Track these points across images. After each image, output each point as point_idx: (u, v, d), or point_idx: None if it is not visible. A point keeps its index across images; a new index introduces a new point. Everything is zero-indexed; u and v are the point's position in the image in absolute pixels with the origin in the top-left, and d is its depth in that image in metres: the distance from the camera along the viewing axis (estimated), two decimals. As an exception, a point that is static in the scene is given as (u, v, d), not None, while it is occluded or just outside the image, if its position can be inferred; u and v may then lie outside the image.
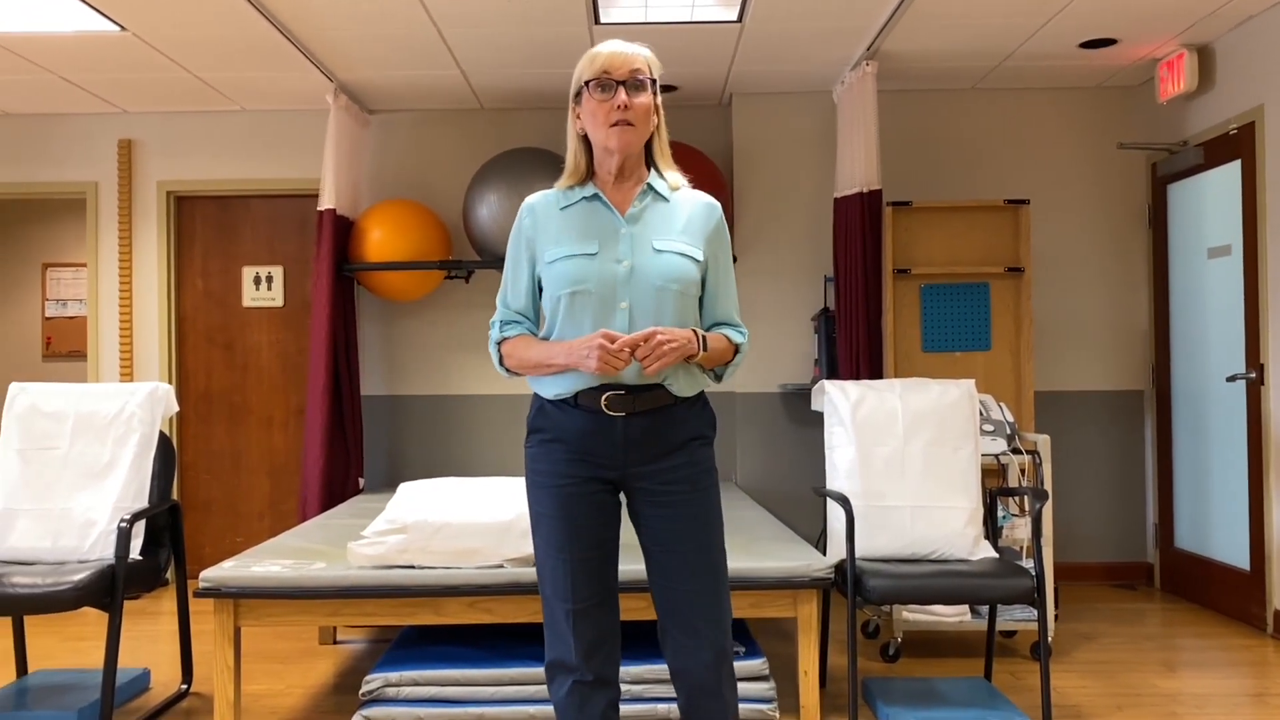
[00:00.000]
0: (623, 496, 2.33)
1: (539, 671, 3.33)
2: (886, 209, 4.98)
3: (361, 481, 5.46)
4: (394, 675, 3.33)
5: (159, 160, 5.89)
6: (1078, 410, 5.64)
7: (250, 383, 5.94)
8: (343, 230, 5.34)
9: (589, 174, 2.29)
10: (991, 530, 3.80)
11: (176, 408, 3.88)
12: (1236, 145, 4.72)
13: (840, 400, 3.69)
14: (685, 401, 2.25)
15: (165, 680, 4.05)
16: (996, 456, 4.25)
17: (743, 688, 3.31)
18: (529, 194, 5.07)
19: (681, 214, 2.26)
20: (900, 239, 5.05)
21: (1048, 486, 4.15)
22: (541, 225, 2.28)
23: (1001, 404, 4.43)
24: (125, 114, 5.89)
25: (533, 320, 2.35)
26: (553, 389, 2.24)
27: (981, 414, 4.29)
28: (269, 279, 5.93)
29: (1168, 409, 5.37)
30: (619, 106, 2.16)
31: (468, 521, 3.30)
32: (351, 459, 5.40)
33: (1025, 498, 4.19)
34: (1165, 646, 4.36)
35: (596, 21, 4.49)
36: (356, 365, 5.47)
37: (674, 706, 3.30)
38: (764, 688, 3.32)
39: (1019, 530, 4.21)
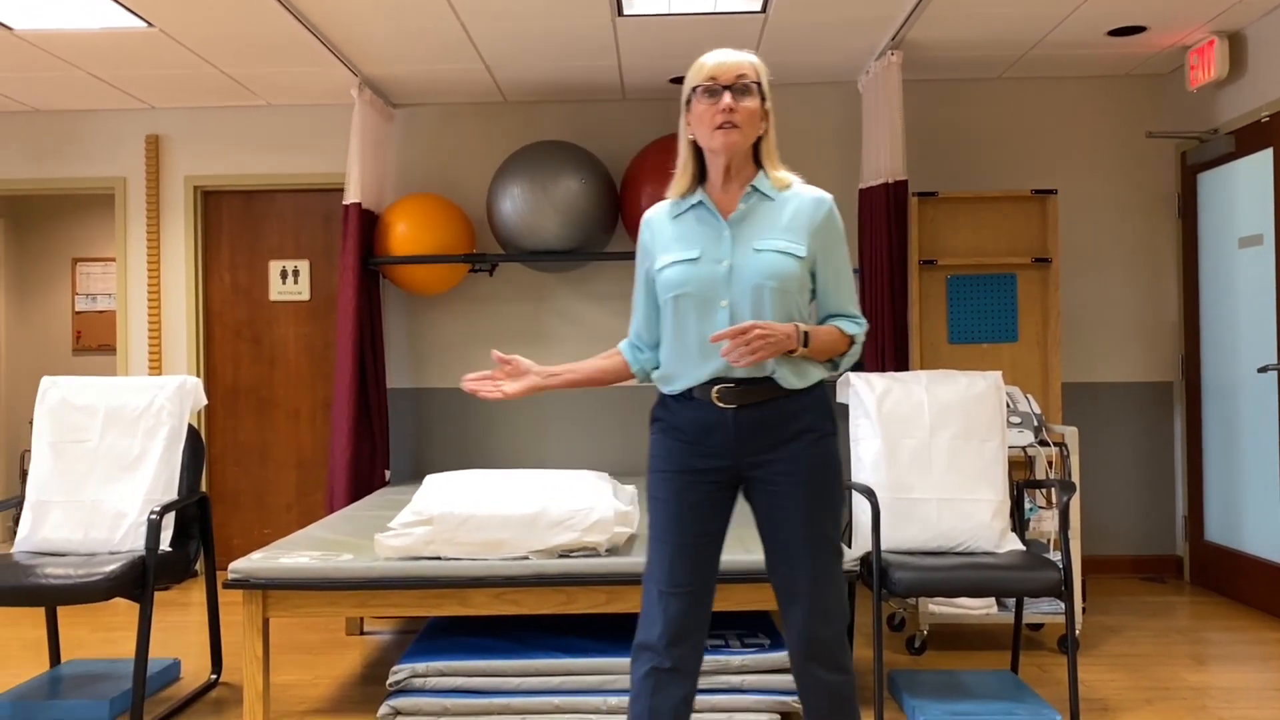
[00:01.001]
0: (741, 490, 2.39)
1: (565, 663, 3.35)
2: (912, 199, 4.95)
3: (388, 474, 5.50)
4: (421, 666, 3.35)
5: (186, 155, 5.93)
6: (1106, 402, 5.59)
7: (277, 376, 5.98)
8: (368, 224, 5.37)
9: (699, 179, 2.37)
10: (1018, 523, 3.77)
11: (205, 401, 3.91)
12: (1268, 133, 4.66)
13: (866, 392, 3.67)
14: (796, 394, 2.29)
15: (195, 670, 4.10)
16: (1024, 449, 4.23)
17: (768, 680, 3.32)
18: (551, 186, 5.15)
19: (786, 211, 2.31)
20: (926, 230, 5.02)
21: (1075, 479, 4.12)
22: (656, 236, 2.39)
23: (1029, 396, 4.40)
24: (153, 110, 5.94)
25: (642, 334, 2.47)
26: (667, 386, 2.36)
27: (1008, 406, 4.27)
28: (295, 273, 5.97)
29: (1197, 400, 5.32)
30: (724, 109, 2.24)
31: (493, 514, 3.31)
32: (378, 451, 5.43)
33: (1052, 490, 4.16)
34: (1194, 640, 4.33)
35: (620, 13, 4.48)
36: (382, 358, 5.50)
37: (698, 698, 3.30)
38: (789, 680, 3.32)
39: (1046, 523, 4.18)
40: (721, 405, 2.27)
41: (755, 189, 2.32)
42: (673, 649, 2.28)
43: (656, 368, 2.45)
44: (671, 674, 2.27)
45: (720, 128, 2.25)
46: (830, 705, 2.30)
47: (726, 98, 2.24)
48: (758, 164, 2.35)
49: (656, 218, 2.41)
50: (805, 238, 2.30)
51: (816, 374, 2.32)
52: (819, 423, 2.31)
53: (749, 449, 2.28)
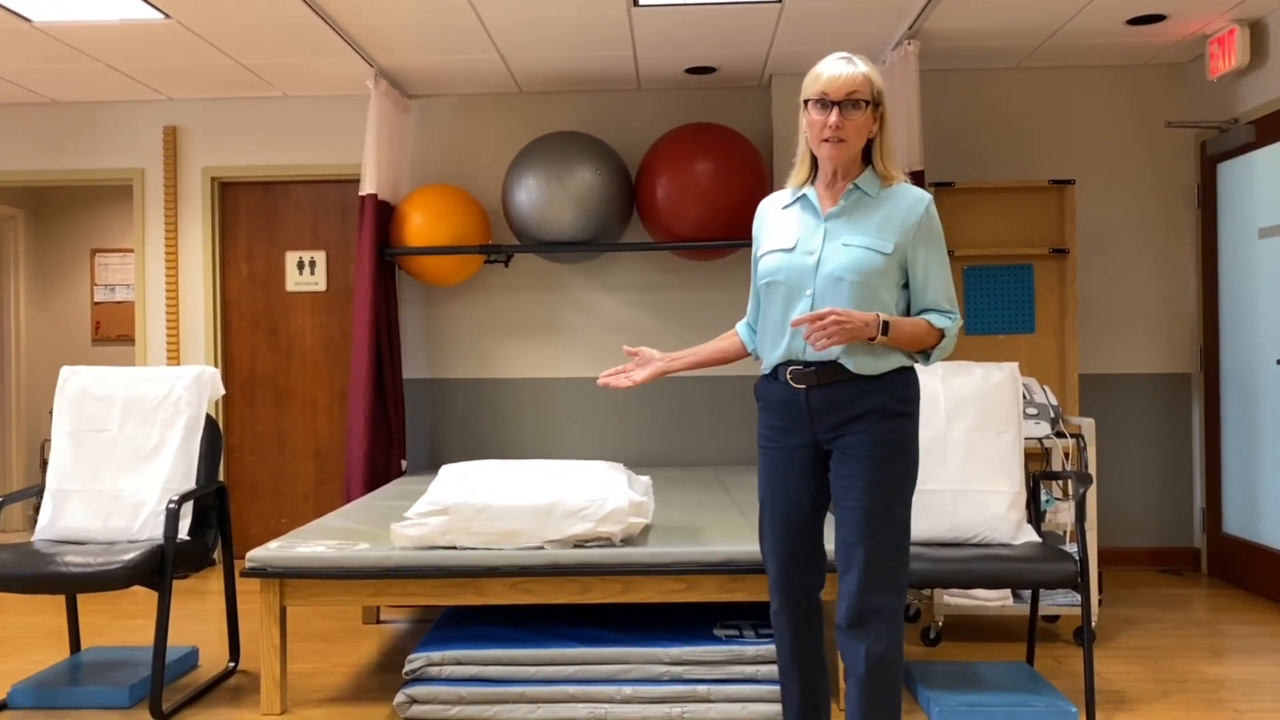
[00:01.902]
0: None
1: (580, 652, 3.36)
2: (929, 190, 4.93)
3: (404, 463, 5.52)
4: (436, 654, 3.37)
5: (203, 146, 5.96)
6: (1123, 393, 5.57)
7: (294, 366, 6.01)
8: (384, 215, 5.38)
9: (813, 171, 2.55)
10: (1034, 514, 3.76)
11: (223, 391, 3.94)
12: (1289, 122, 4.62)
13: (881, 383, 3.66)
14: (866, 378, 2.44)
15: (213, 658, 4.13)
16: (1040, 440, 4.21)
17: (782, 670, 3.32)
18: (566, 177, 5.15)
19: (883, 210, 2.47)
20: (943, 220, 4.99)
21: (1092, 470, 4.10)
22: (765, 224, 2.61)
23: (1045, 387, 4.38)
24: (170, 101, 5.97)
25: (755, 316, 2.69)
26: (763, 367, 2.60)
27: (1025, 397, 4.25)
28: (312, 264, 5.99)
29: (1216, 392, 5.29)
30: (832, 125, 2.41)
31: (508, 504, 3.32)
32: (394, 441, 5.46)
33: (1069, 482, 4.14)
34: (1212, 632, 4.31)
35: (635, 4, 4.47)
36: (399, 349, 5.52)
37: (713, 688, 3.31)
38: (804, 670, 3.32)
39: (1062, 514, 4.17)
40: (794, 385, 2.48)
41: (857, 187, 2.48)
42: (785, 599, 2.59)
43: None
44: (788, 615, 2.61)
45: (827, 140, 2.42)
46: (870, 676, 2.43)
47: (834, 115, 2.41)
48: (868, 161, 2.51)
49: (768, 208, 2.63)
50: (896, 235, 2.44)
51: (893, 361, 2.45)
52: (887, 404, 2.44)
53: (822, 425, 2.48)
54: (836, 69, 2.41)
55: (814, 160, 2.53)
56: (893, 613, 2.44)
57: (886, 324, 2.37)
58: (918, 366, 2.53)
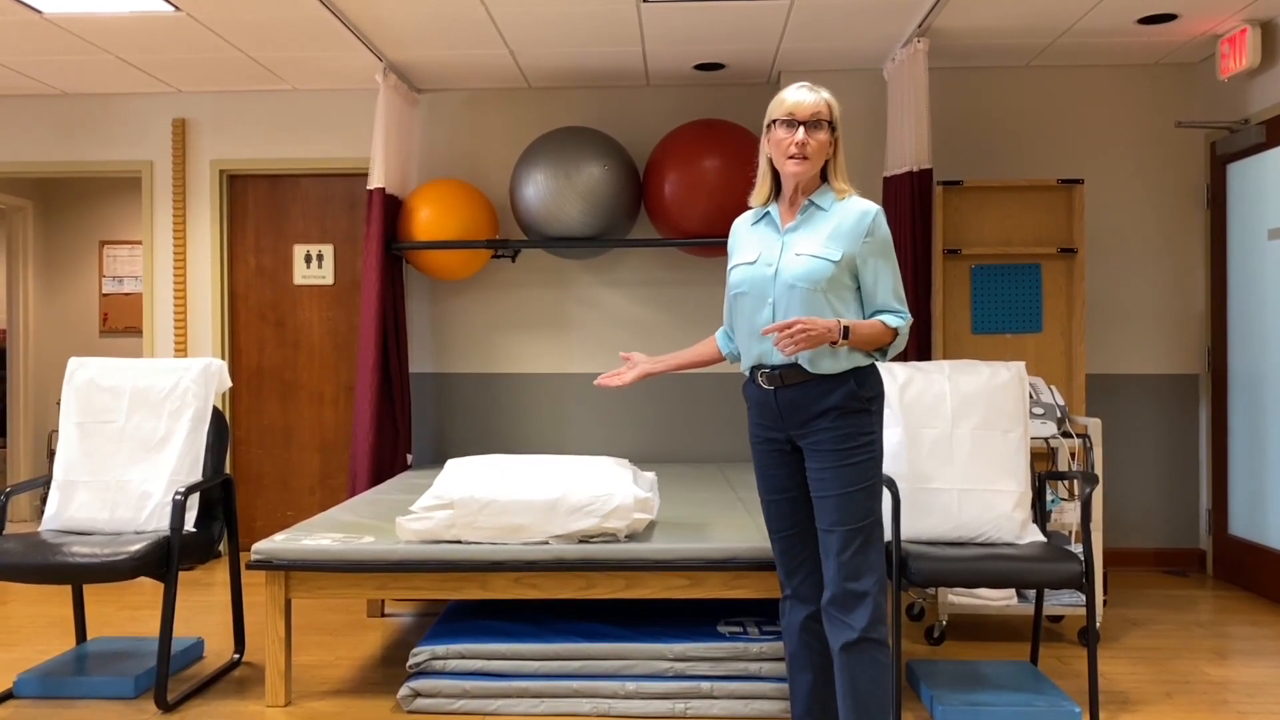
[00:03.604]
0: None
1: (584, 647, 3.36)
2: (937, 188, 4.92)
3: (410, 458, 5.53)
4: (441, 648, 3.38)
5: (212, 139, 5.97)
6: (1131, 394, 5.55)
7: (301, 359, 6.02)
8: (392, 209, 5.38)
9: (775, 190, 2.77)
10: (1040, 514, 3.76)
11: (230, 383, 3.95)
12: (1300, 123, 4.60)
13: (887, 382, 3.66)
14: (825, 377, 2.64)
15: (218, 649, 4.14)
16: (1046, 440, 4.20)
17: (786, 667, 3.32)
18: (574, 172, 5.15)
19: (832, 222, 2.67)
20: (951, 219, 4.99)
21: (1098, 471, 4.09)
22: (735, 241, 2.84)
23: (1052, 387, 4.37)
24: (179, 94, 5.98)
25: (730, 323, 2.93)
26: (743, 369, 2.81)
27: (1031, 397, 4.24)
28: (319, 257, 6.00)
29: (1223, 393, 5.27)
30: (798, 143, 2.63)
31: (513, 499, 3.33)
32: (400, 435, 5.46)
33: (1075, 482, 4.13)
34: (1216, 634, 4.30)
35: (645, -1, 4.47)
36: (405, 343, 5.52)
37: (717, 685, 3.31)
38: (807, 668, 3.32)
39: (1068, 514, 4.16)
40: (765, 386, 2.70)
41: (812, 202, 2.70)
42: (791, 579, 2.81)
43: None
44: (794, 599, 2.82)
45: (792, 158, 2.64)
46: (853, 651, 2.59)
47: (801, 133, 2.63)
48: (824, 177, 2.72)
49: (740, 225, 2.85)
50: (844, 244, 2.64)
51: (849, 361, 2.64)
52: (845, 402, 2.63)
53: (791, 422, 2.69)
54: (801, 95, 2.66)
55: (775, 180, 2.74)
56: (872, 593, 2.61)
57: (847, 329, 2.57)
58: (885, 364, 2.71)
